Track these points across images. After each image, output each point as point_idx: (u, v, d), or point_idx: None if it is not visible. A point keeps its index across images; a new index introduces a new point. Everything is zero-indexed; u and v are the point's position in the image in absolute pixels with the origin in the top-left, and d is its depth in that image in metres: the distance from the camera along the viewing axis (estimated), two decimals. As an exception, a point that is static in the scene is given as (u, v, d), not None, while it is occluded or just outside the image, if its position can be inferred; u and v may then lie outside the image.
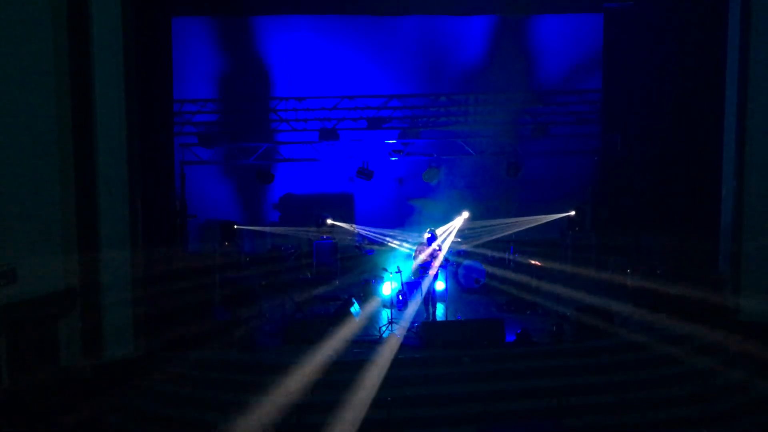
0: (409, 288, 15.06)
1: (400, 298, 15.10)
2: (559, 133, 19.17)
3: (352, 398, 11.04)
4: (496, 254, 17.31)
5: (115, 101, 12.49)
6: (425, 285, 14.37)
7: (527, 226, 17.59)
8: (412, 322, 13.87)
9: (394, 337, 13.07)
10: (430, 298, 14.42)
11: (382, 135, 19.39)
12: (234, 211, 19.32)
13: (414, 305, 14.49)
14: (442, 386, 12.08)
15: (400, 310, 14.84)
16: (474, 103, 19.58)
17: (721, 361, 12.52)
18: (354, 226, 18.51)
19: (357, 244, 18.46)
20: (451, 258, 16.21)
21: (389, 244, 17.51)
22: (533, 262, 16.72)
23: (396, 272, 14.78)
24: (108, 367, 12.29)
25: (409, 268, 15.28)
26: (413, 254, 15.24)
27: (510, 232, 17.53)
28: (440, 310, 14.89)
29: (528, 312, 14.91)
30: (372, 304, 14.82)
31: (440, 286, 14.88)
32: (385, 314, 14.40)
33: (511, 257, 17.09)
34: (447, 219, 16.60)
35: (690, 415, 11.55)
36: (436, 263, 14.47)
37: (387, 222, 18.59)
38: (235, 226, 18.04)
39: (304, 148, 19.07)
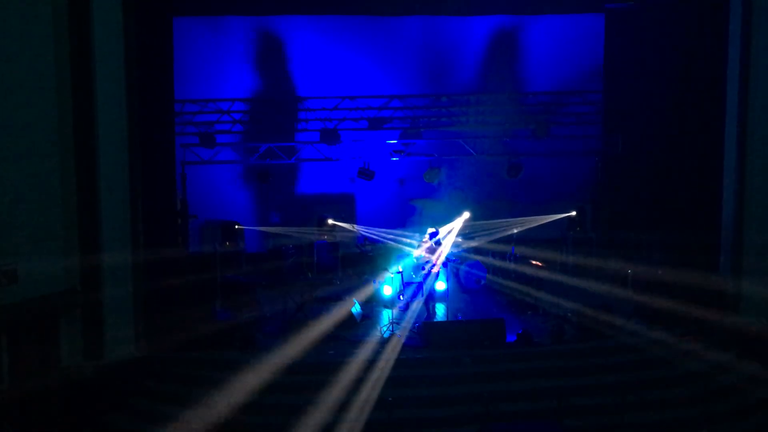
0: (410, 288, 15.05)
1: (401, 298, 15.10)
2: (560, 134, 19.16)
3: (353, 398, 11.06)
4: (497, 254, 17.30)
5: (116, 102, 12.51)
6: (426, 285, 14.38)
7: (528, 227, 17.58)
8: (414, 323, 13.88)
9: (395, 337, 13.08)
10: (432, 298, 14.42)
11: (383, 135, 19.38)
12: (235, 211, 19.26)
13: (415, 305, 14.49)
14: (443, 386, 12.09)
15: (401, 310, 14.84)
16: (475, 104, 19.56)
17: (721, 362, 12.52)
18: (355, 226, 18.49)
19: (358, 244, 18.45)
20: (452, 258, 16.21)
21: (390, 244, 17.49)
22: (534, 262, 16.72)
23: (397, 273, 14.76)
24: (109, 368, 12.28)
25: (411, 268, 15.27)
26: (415, 254, 15.23)
27: (511, 232, 17.52)
28: (441, 310, 14.90)
29: (529, 312, 14.90)
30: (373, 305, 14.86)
31: (441, 286, 14.89)
32: (387, 314, 14.41)
33: (512, 257, 17.08)
34: (448, 219, 16.57)
35: (691, 416, 11.56)
36: (438, 263, 14.47)
37: (388, 222, 18.57)
38: (237, 227, 18.02)
39: (305, 148, 19.06)
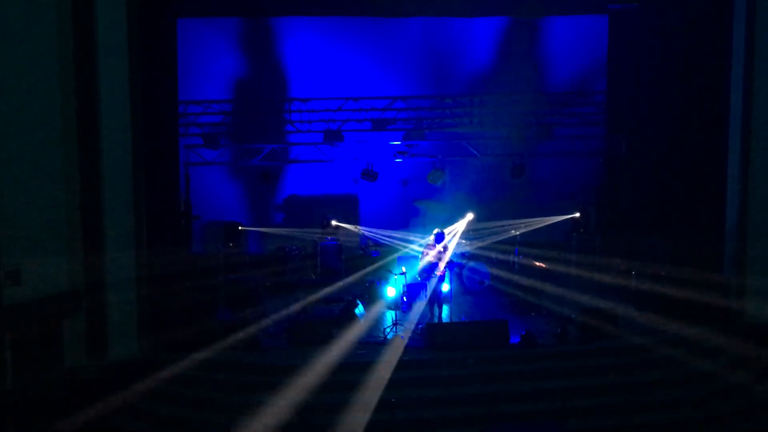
0: (414, 289, 15.04)
1: (405, 299, 15.08)
2: (563, 135, 19.15)
3: (356, 399, 11.05)
4: (501, 256, 17.28)
5: (119, 102, 12.54)
6: (431, 286, 14.36)
7: (532, 228, 17.56)
8: (417, 324, 13.87)
9: (398, 338, 13.06)
10: (436, 299, 14.40)
11: (386, 136, 19.37)
12: (239, 212, 19.32)
13: (419, 307, 14.48)
14: (445, 387, 12.07)
15: (404, 311, 14.82)
16: (479, 105, 19.53)
17: (725, 364, 12.48)
18: (358, 227, 18.50)
19: (361, 245, 18.44)
20: (455, 259, 16.18)
21: (394, 245, 17.49)
22: (538, 263, 16.69)
23: (400, 274, 14.75)
24: (112, 368, 12.30)
25: (415, 269, 15.26)
26: (420, 255, 15.22)
27: (514, 233, 17.51)
28: (444, 311, 14.87)
29: (532, 314, 14.87)
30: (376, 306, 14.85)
31: (445, 287, 14.86)
32: (390, 316, 14.39)
33: (516, 259, 17.05)
34: (451, 220, 16.54)
35: (694, 418, 11.52)
36: (443, 264, 14.46)
37: (391, 223, 18.57)
38: (240, 227, 18.05)
39: (308, 149, 19.08)
